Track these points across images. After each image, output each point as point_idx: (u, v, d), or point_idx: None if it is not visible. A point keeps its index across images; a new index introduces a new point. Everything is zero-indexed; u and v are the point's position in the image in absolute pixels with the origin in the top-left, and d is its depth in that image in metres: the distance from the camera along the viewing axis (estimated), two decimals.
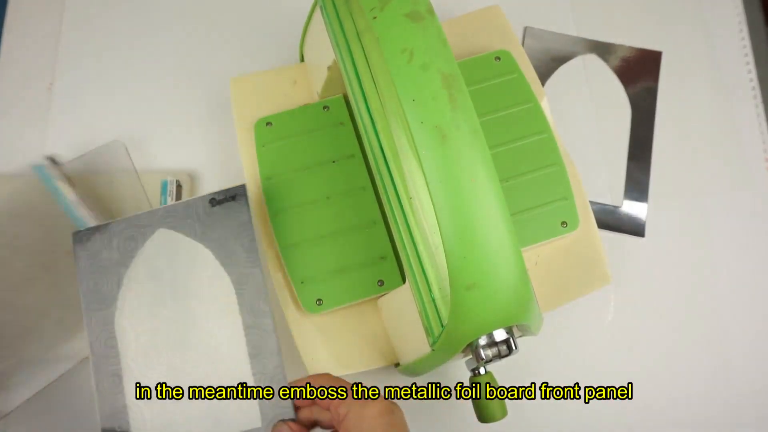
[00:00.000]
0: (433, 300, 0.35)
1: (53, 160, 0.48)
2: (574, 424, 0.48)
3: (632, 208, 0.53)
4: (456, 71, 0.31)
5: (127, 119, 0.53)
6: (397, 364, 0.45)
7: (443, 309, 0.35)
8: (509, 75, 0.48)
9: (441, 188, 0.30)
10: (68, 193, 0.46)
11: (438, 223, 0.31)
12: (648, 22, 0.59)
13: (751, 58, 0.58)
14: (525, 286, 0.32)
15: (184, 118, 0.54)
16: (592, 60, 0.57)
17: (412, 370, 0.42)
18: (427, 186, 0.31)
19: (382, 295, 0.44)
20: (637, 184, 0.54)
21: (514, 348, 0.34)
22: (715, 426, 0.48)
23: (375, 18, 0.32)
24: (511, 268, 0.31)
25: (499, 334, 0.34)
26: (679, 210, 0.53)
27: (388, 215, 0.38)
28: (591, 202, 0.52)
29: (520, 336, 0.43)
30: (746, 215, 0.53)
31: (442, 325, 0.35)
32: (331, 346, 0.44)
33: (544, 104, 0.48)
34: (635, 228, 0.53)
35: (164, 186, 0.49)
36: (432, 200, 0.31)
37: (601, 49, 0.57)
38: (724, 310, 0.51)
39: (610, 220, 0.53)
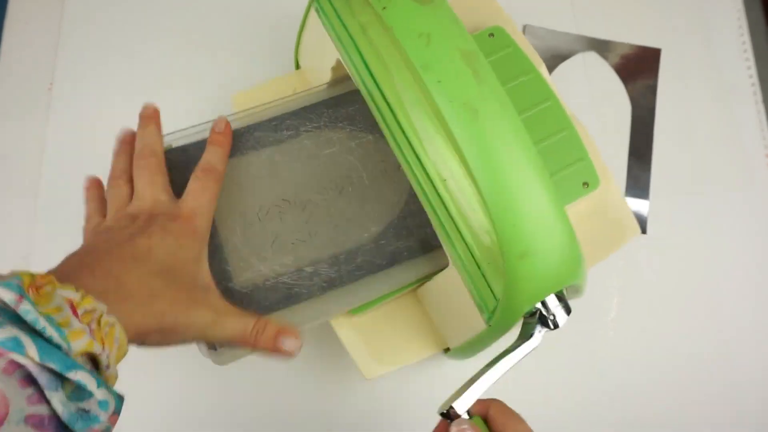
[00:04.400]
0: (483, 276, 0.35)
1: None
2: (575, 423, 0.48)
3: (633, 205, 0.53)
4: (474, 47, 0.32)
5: (126, 122, 0.53)
6: (446, 350, 0.45)
7: (494, 283, 0.35)
8: (505, 49, 0.48)
9: (481, 162, 0.30)
10: None
11: (482, 197, 0.31)
12: (648, 19, 0.59)
13: (750, 55, 0.58)
14: (574, 246, 0.32)
15: (182, 124, 0.53)
16: (592, 57, 0.57)
17: (465, 352, 0.42)
18: (466, 163, 0.31)
19: (422, 285, 0.44)
20: (638, 181, 0.54)
21: (566, 305, 0.34)
22: (718, 424, 0.49)
23: (385, 8, 0.32)
24: (560, 231, 0.31)
25: (552, 300, 0.34)
26: (680, 206, 0.54)
27: (422, 201, 0.38)
28: None
29: (570, 299, 0.44)
30: (747, 211, 0.54)
31: (496, 299, 0.35)
32: (376, 343, 0.44)
33: (544, 72, 0.49)
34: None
35: None
36: (473, 176, 0.31)
37: (601, 47, 0.57)
38: (727, 307, 0.51)
39: None
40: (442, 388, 0.46)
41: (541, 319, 0.33)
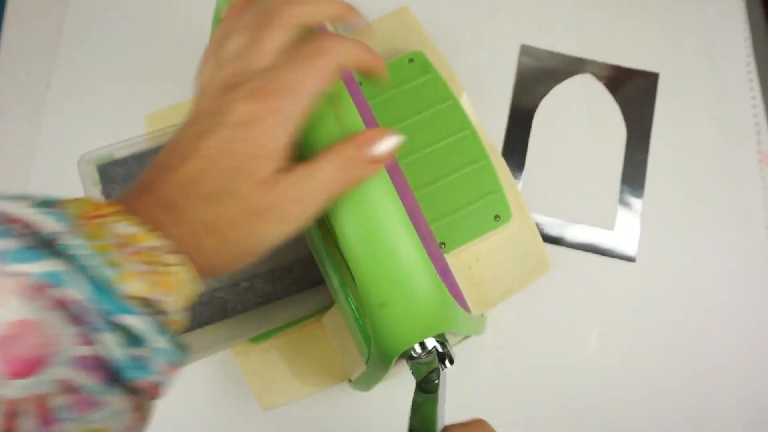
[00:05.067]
0: (358, 319, 0.35)
1: None
2: None
3: (624, 233, 0.52)
4: (341, 89, 0.31)
5: (125, 123, 0.53)
6: (350, 380, 0.45)
7: (368, 326, 0.35)
8: (425, 76, 0.48)
9: (338, 210, 0.30)
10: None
11: (344, 241, 0.30)
12: (647, 42, 0.57)
13: (756, 84, 0.56)
14: (439, 295, 0.31)
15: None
16: (588, 80, 0.56)
17: (361, 385, 0.42)
18: (327, 210, 0.30)
19: (325, 315, 0.44)
20: (630, 207, 0.53)
21: (448, 354, 0.34)
22: None
23: None
24: (421, 280, 0.31)
25: (431, 343, 0.34)
26: (671, 236, 0.52)
27: (310, 240, 0.38)
28: (584, 226, 0.52)
29: (461, 341, 0.43)
30: (738, 248, 0.52)
31: (369, 342, 0.34)
32: (281, 372, 0.44)
33: (464, 101, 0.48)
34: (626, 253, 0.52)
35: None
36: (334, 221, 0.30)
37: (598, 69, 0.56)
38: (714, 339, 0.50)
39: (602, 245, 0.52)
40: (347, 416, 0.46)
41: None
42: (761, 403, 0.48)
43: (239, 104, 0.26)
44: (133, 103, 0.54)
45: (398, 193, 0.30)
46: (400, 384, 0.47)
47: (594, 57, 0.57)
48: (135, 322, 0.22)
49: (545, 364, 0.49)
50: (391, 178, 0.30)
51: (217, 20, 0.39)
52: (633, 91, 0.56)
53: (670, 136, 0.55)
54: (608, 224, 0.52)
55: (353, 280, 0.35)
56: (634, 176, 0.54)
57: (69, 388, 0.21)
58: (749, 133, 0.55)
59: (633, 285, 0.51)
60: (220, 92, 0.27)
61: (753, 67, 0.57)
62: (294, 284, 0.41)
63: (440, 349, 0.33)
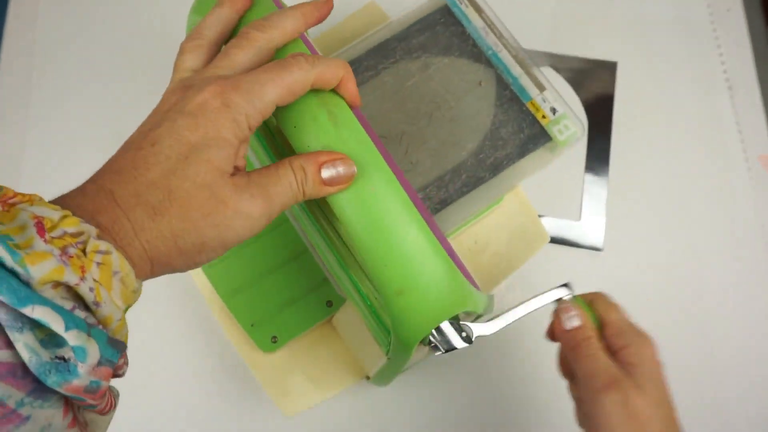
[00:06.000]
0: (374, 312, 0.35)
1: None
2: None
3: (591, 222, 0.52)
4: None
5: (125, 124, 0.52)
6: (368, 377, 0.45)
7: (386, 317, 0.35)
8: None
9: (346, 204, 0.30)
10: (475, 20, 0.45)
11: (352, 236, 0.31)
12: (606, 31, 0.58)
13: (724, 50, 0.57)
14: (453, 276, 0.32)
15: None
16: (548, 72, 0.56)
17: (381, 379, 0.42)
18: (331, 205, 0.30)
19: (335, 315, 0.44)
20: (595, 196, 0.53)
21: (470, 333, 0.34)
22: None
23: None
24: (433, 264, 0.31)
25: (447, 327, 0.34)
26: (636, 221, 0.52)
27: (310, 244, 0.38)
28: (550, 218, 0.52)
29: (474, 319, 0.44)
30: (706, 227, 0.52)
31: (389, 332, 0.35)
32: (297, 378, 0.44)
33: None
34: (593, 242, 0.52)
35: None
36: (341, 218, 0.31)
37: (557, 61, 0.57)
38: (692, 322, 0.50)
39: (569, 236, 0.52)
40: (369, 414, 0.46)
41: (436, 345, 0.33)
42: (736, 381, 0.49)
43: (193, 97, 0.26)
44: (113, 108, 0.54)
45: (399, 182, 0.31)
46: (419, 377, 0.48)
47: (554, 50, 0.57)
48: (43, 314, 0.19)
49: (527, 353, 0.49)
50: (390, 167, 0.31)
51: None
52: (592, 81, 0.57)
53: (631, 120, 0.55)
54: (573, 215, 0.53)
55: (365, 274, 0.36)
56: (597, 165, 0.54)
57: None
58: (713, 118, 0.56)
59: (602, 274, 0.51)
60: (178, 91, 0.27)
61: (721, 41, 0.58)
62: (465, 185, 0.43)
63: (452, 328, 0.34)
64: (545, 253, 0.50)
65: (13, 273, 0.19)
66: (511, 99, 0.45)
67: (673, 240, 0.52)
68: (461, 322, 0.34)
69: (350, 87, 0.30)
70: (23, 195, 0.21)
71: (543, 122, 0.44)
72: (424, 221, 0.31)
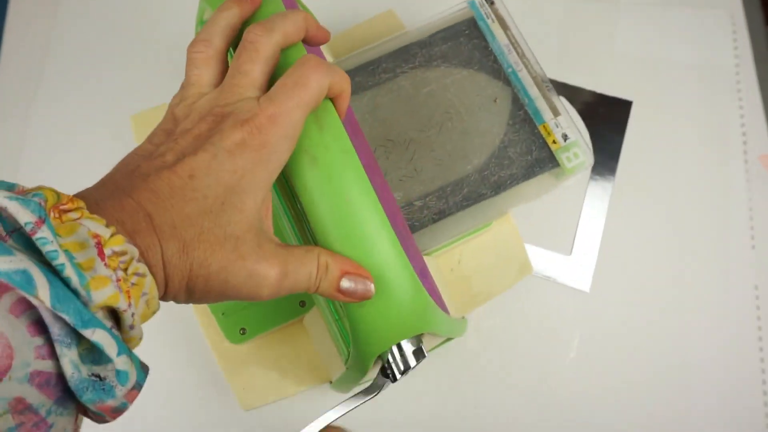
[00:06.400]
0: (337, 320, 0.35)
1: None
2: None
3: (580, 260, 0.52)
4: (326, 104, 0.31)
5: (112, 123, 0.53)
6: (331, 381, 0.45)
7: (347, 326, 0.35)
8: None
9: (316, 210, 0.30)
10: (500, 36, 0.45)
11: (321, 243, 0.31)
12: (622, 69, 0.57)
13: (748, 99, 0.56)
14: (418, 296, 0.32)
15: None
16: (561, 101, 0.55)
17: (341, 386, 0.42)
18: (305, 208, 0.30)
19: (305, 316, 0.44)
20: (589, 234, 0.52)
21: (423, 355, 0.34)
22: None
23: None
24: (401, 280, 0.31)
25: (408, 346, 0.34)
26: (629, 265, 0.51)
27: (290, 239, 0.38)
28: (541, 248, 0.51)
29: (442, 343, 0.43)
30: (715, 250, 0.52)
31: (348, 343, 0.35)
32: (261, 373, 0.44)
33: None
34: (580, 284, 0.51)
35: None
36: (310, 222, 0.30)
37: (572, 93, 0.56)
38: (694, 338, 0.49)
39: (556, 271, 0.51)
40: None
41: (386, 367, 0.33)
42: (737, 405, 0.49)
43: (228, 131, 0.26)
44: (119, 103, 0.54)
45: (376, 193, 0.31)
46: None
47: (569, 81, 0.56)
48: (101, 338, 0.19)
49: (527, 368, 0.49)
50: (369, 177, 0.31)
51: (201, 22, 0.39)
52: (605, 118, 0.56)
53: (638, 164, 0.55)
54: (565, 249, 0.52)
55: None
56: (598, 202, 0.53)
57: (19, 408, 0.19)
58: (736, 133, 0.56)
59: (585, 314, 0.50)
60: (209, 118, 0.26)
61: (742, 76, 0.57)
62: (465, 200, 0.43)
63: (413, 348, 0.34)
64: (529, 283, 0.50)
65: (75, 293, 0.19)
66: (524, 120, 0.44)
67: (669, 286, 0.51)
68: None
69: (344, 104, 0.30)
70: (71, 201, 0.21)
71: (553, 147, 0.44)
72: (395, 237, 0.31)
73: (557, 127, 0.44)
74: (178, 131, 0.26)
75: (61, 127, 0.54)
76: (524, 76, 0.45)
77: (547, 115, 0.44)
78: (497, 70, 0.45)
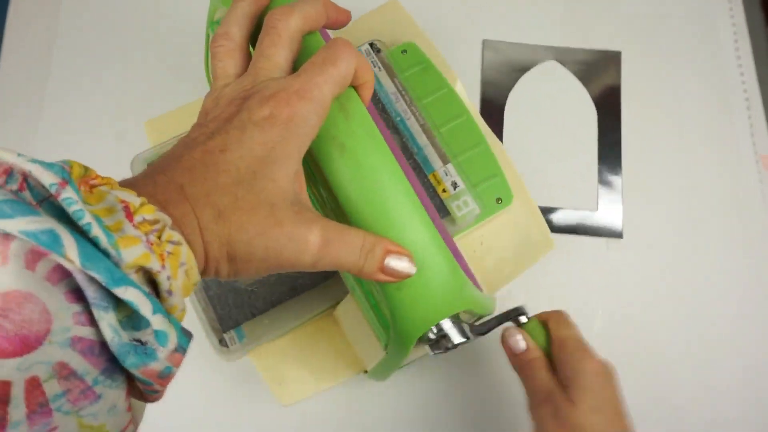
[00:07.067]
0: (374, 306, 0.35)
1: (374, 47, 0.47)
2: None
3: (608, 212, 0.52)
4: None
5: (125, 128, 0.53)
6: (366, 371, 0.45)
7: (386, 311, 0.35)
8: (418, 66, 0.48)
9: (348, 197, 0.30)
10: (387, 84, 0.45)
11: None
12: (609, 22, 0.58)
13: (745, 54, 0.56)
14: (455, 275, 0.32)
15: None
16: (553, 66, 0.56)
17: (378, 374, 0.42)
18: (338, 197, 0.31)
19: (336, 307, 0.44)
20: (611, 187, 0.53)
21: (467, 334, 0.34)
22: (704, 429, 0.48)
23: None
24: (436, 261, 0.31)
25: (447, 324, 0.34)
26: (655, 208, 0.52)
27: None
28: (568, 210, 0.52)
29: (475, 320, 0.44)
30: (725, 212, 0.52)
31: (388, 327, 0.35)
32: (296, 368, 0.45)
33: (458, 88, 0.49)
34: (613, 231, 0.52)
35: None
36: (344, 210, 0.31)
37: (561, 54, 0.56)
38: (708, 309, 0.50)
39: (588, 226, 0.52)
40: (365, 407, 0.47)
41: (436, 343, 0.34)
42: (762, 370, 0.49)
43: (255, 107, 0.26)
44: (132, 108, 0.54)
45: (408, 179, 0.31)
46: (416, 373, 0.48)
47: (557, 43, 0.57)
48: (134, 296, 0.19)
49: None
50: (399, 163, 0.31)
51: (212, 23, 0.39)
52: (598, 72, 0.56)
53: (640, 109, 0.55)
54: (591, 205, 0.53)
55: None
56: (610, 154, 0.54)
57: (64, 374, 0.18)
58: (734, 90, 0.56)
59: (624, 260, 0.51)
60: (237, 101, 0.27)
61: (740, 27, 0.57)
62: (321, 273, 0.42)
63: (451, 326, 0.34)
64: (525, 207, 0.50)
65: (104, 253, 0.19)
66: (414, 169, 0.44)
67: (696, 227, 0.52)
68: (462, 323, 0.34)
69: (368, 94, 0.31)
70: (101, 177, 0.21)
71: (443, 196, 0.44)
72: (429, 218, 0.31)
73: (446, 175, 0.45)
74: (209, 119, 0.27)
75: (66, 130, 0.54)
76: (412, 124, 0.46)
77: (436, 163, 0.45)
78: (386, 119, 0.46)
